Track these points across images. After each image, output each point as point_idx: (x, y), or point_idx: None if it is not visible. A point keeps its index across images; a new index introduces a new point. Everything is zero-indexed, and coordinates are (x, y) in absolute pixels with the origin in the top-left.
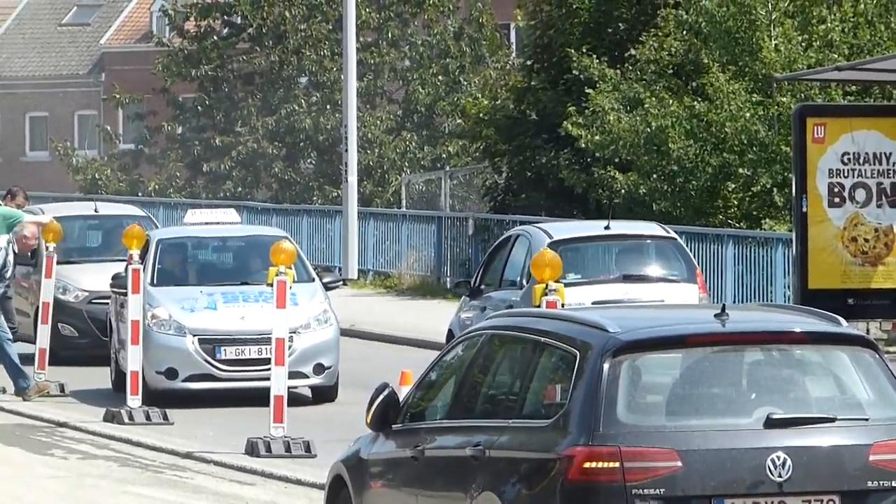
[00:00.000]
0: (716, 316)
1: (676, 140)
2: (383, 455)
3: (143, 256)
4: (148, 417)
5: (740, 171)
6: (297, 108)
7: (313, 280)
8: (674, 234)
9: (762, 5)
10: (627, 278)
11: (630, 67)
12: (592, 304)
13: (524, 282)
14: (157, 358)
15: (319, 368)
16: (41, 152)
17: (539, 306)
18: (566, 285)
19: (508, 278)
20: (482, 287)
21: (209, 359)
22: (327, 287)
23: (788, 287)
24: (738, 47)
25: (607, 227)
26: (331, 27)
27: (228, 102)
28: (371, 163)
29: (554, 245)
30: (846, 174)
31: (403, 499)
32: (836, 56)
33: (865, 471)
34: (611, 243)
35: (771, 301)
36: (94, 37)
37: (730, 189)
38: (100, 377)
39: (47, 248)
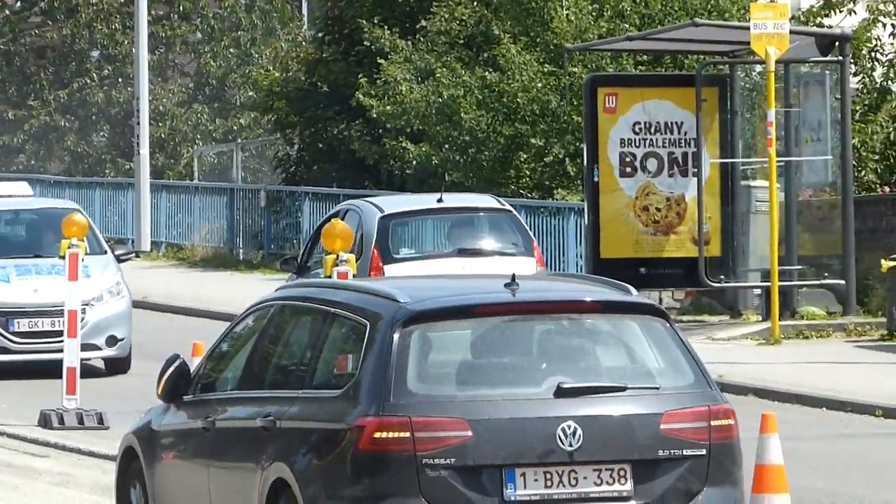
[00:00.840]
0: (506, 285)
1: (468, 110)
2: (174, 426)
3: None
4: None
5: (532, 141)
6: (89, 81)
7: (105, 252)
8: (508, 207)
9: None
10: (462, 252)
11: (421, 39)
12: None
13: (369, 253)
14: None
15: (112, 340)
16: None
17: (330, 277)
18: (400, 260)
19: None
20: (309, 264)
21: (2, 331)
22: (120, 259)
23: (580, 256)
24: (529, 18)
25: (440, 200)
26: (122, 1)
27: (21, 76)
28: (163, 135)
29: (386, 219)
30: (638, 144)
31: (194, 470)
32: (627, 26)
33: (656, 440)
34: (444, 216)
35: (563, 270)
36: None
37: (522, 159)
38: None
39: None
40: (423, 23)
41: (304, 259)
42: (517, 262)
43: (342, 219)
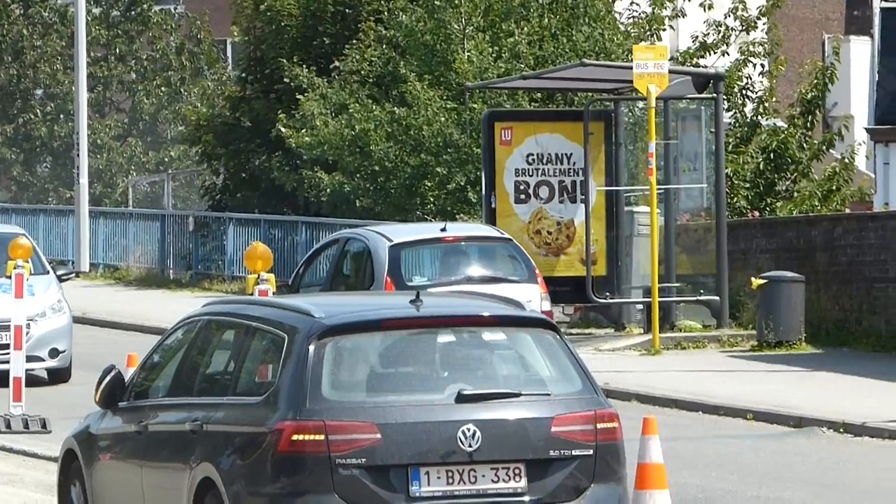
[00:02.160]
0: (411, 302)
1: (378, 142)
2: (111, 430)
3: None
4: None
5: (437, 170)
6: (33, 116)
7: (48, 273)
8: (508, 236)
9: (456, 21)
10: (472, 280)
11: (336, 77)
12: None
13: (381, 282)
14: None
15: (54, 352)
16: None
17: (252, 294)
18: (413, 288)
19: (358, 280)
20: (300, 290)
21: None
22: (61, 279)
23: None
24: (434, 59)
25: (443, 230)
26: (64, 43)
27: None
28: (101, 166)
29: (396, 248)
30: (531, 173)
31: (129, 470)
32: (522, 66)
33: (548, 441)
34: (450, 245)
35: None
36: None
37: (427, 187)
38: None
39: None
40: (338, 63)
41: (297, 284)
42: (523, 288)
43: (343, 248)
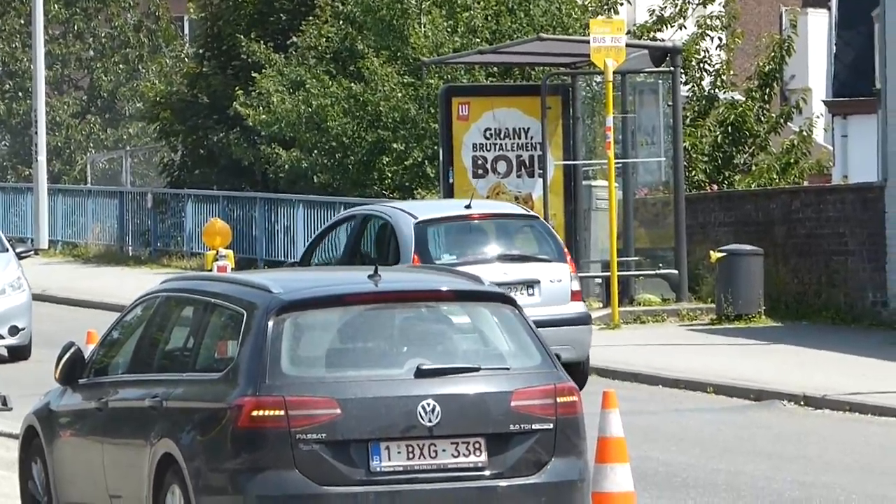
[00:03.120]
0: (369, 277)
1: (335, 118)
2: (71, 407)
3: None
4: None
5: (394, 146)
6: None
7: (7, 250)
8: (535, 213)
9: None
10: (503, 258)
11: (293, 53)
12: None
13: (407, 260)
14: None
15: (14, 330)
16: None
17: (211, 270)
18: (442, 266)
19: (372, 257)
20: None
21: None
22: (20, 256)
23: None
24: (390, 34)
25: (468, 207)
26: (22, 21)
27: None
28: (59, 144)
29: (422, 225)
30: (489, 148)
31: (90, 446)
32: (479, 41)
33: (507, 415)
34: (477, 222)
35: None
36: None
37: (385, 162)
38: None
39: None
40: (295, 39)
41: (308, 262)
42: (553, 267)
43: (361, 225)
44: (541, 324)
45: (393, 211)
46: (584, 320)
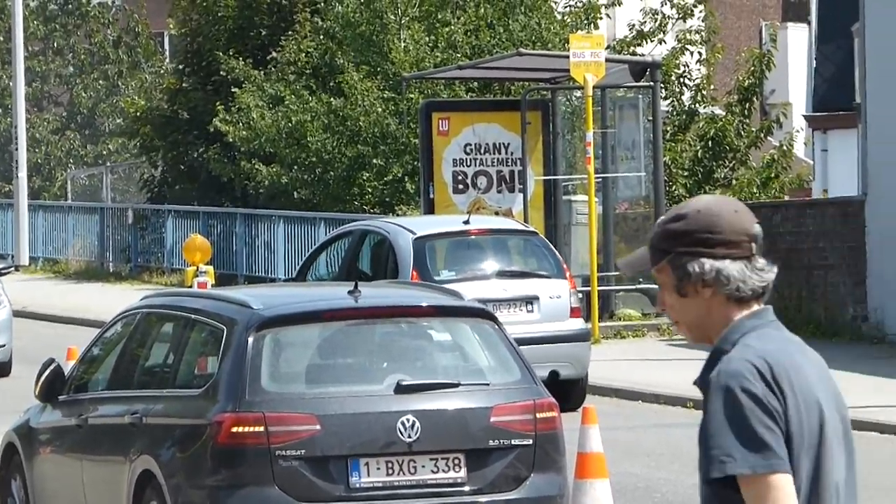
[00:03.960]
0: (349, 293)
1: (315, 133)
2: (51, 424)
3: None
4: None
5: (374, 161)
6: None
7: None
8: (533, 229)
9: (392, 11)
10: (502, 274)
11: (272, 69)
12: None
13: (406, 276)
14: None
15: None
16: None
17: (191, 286)
18: (441, 283)
19: (376, 274)
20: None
21: None
22: (0, 273)
23: None
24: (370, 49)
25: (466, 223)
26: (1, 38)
27: None
28: (39, 160)
29: (420, 241)
30: (469, 163)
31: (69, 463)
32: (459, 56)
33: (487, 431)
34: (475, 238)
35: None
36: None
37: (365, 178)
38: None
39: None
40: (274, 54)
41: (304, 278)
42: (552, 283)
43: (358, 241)
44: (540, 340)
45: (391, 226)
46: (583, 337)
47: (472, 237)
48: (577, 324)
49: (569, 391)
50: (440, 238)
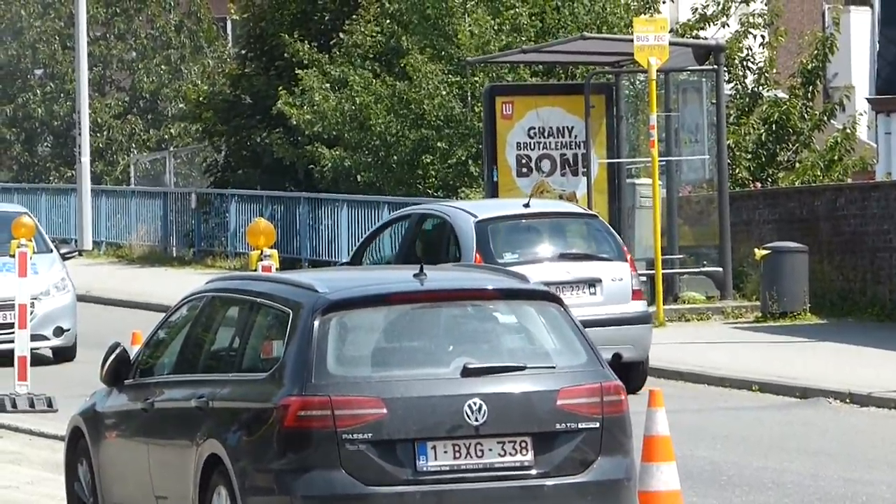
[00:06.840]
0: (414, 276)
1: (379, 116)
2: (116, 408)
3: None
4: None
5: (438, 144)
6: (31, 97)
7: (52, 251)
8: (594, 212)
9: None
10: (564, 257)
11: (337, 52)
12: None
13: (469, 258)
14: None
15: (59, 331)
16: None
17: (256, 270)
18: (504, 266)
19: (435, 257)
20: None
21: None
22: (64, 257)
23: None
24: (435, 32)
25: (527, 206)
26: (63, 23)
27: None
28: (101, 145)
29: (482, 224)
30: (532, 147)
31: (135, 447)
32: (524, 39)
33: (553, 414)
34: (537, 221)
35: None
36: None
37: (428, 161)
38: None
39: None
40: (341, 36)
41: (356, 264)
42: (613, 266)
43: (417, 225)
44: (603, 322)
45: (451, 210)
46: (645, 319)
47: (533, 220)
48: (640, 306)
49: (630, 373)
50: (502, 221)
